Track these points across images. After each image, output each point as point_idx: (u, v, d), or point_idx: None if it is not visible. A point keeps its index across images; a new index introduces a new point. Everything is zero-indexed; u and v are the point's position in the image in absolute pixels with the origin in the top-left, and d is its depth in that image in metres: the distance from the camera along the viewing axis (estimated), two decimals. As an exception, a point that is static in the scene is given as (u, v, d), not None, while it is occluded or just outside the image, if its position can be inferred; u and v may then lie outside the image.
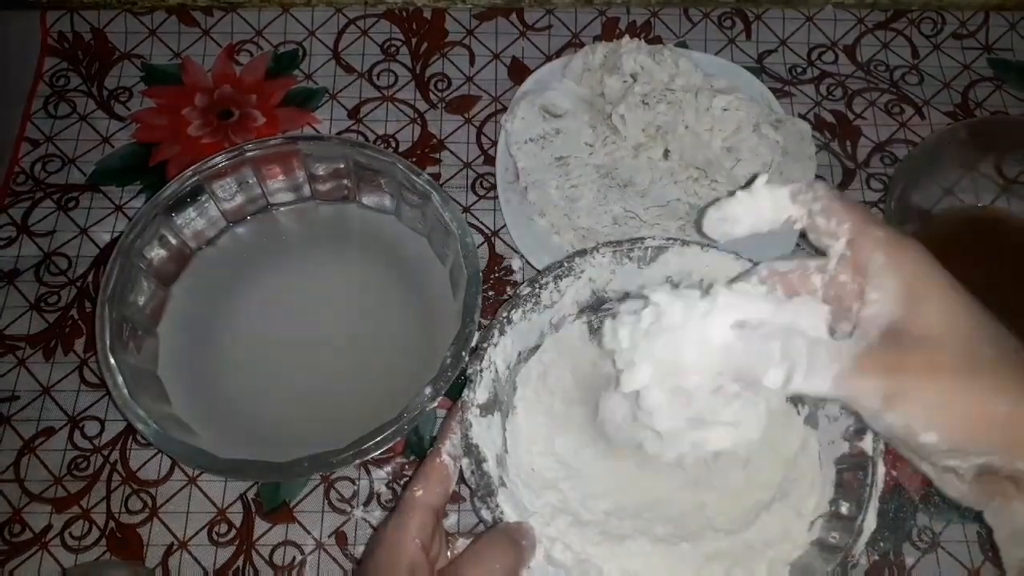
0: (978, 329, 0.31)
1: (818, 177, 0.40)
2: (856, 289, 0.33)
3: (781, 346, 0.31)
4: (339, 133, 0.61)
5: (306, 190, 0.54)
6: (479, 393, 0.43)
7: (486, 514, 0.40)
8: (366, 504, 0.49)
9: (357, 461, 0.45)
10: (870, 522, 0.40)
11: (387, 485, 0.50)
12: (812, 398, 0.32)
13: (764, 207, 0.34)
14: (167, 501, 0.49)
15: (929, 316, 0.31)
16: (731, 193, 0.35)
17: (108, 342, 0.45)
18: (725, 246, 0.45)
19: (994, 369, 0.30)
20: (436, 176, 0.59)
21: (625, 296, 0.47)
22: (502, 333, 0.44)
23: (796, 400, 0.47)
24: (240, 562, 0.48)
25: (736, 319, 0.32)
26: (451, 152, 0.60)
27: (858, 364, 0.30)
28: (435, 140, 0.61)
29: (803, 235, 0.35)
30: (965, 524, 0.49)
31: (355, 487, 0.50)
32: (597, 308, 0.48)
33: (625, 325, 0.35)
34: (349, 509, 0.49)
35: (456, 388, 0.44)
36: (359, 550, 0.48)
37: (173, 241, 0.51)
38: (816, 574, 0.40)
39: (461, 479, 0.42)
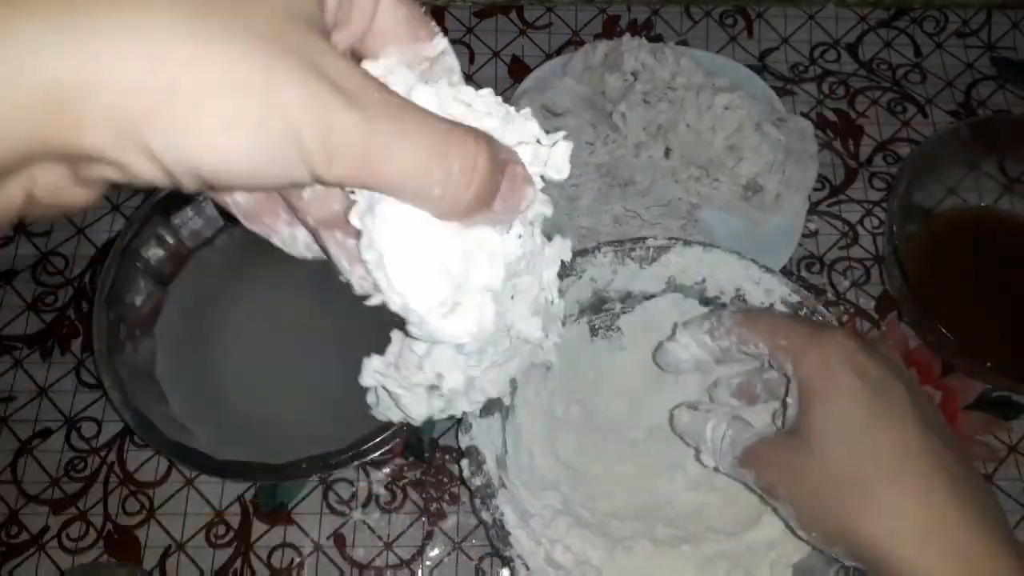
0: (857, 442, 0.32)
1: (721, 306, 0.44)
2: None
3: (708, 434, 0.38)
4: (338, 132, 0.60)
5: (305, 189, 0.54)
6: (479, 394, 0.42)
7: (486, 515, 0.40)
8: (365, 506, 0.49)
9: (356, 462, 0.45)
10: (873, 524, 0.40)
11: (386, 487, 0.49)
12: None
13: (695, 349, 0.39)
14: (165, 502, 0.49)
15: (811, 423, 0.33)
16: (669, 338, 0.41)
17: (105, 342, 0.45)
18: (727, 246, 0.44)
19: (858, 485, 0.31)
20: (436, 175, 0.59)
21: (627, 296, 0.47)
22: (502, 333, 0.43)
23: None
24: (238, 564, 0.47)
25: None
26: (451, 151, 0.60)
27: (744, 457, 0.35)
28: (435, 139, 0.60)
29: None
30: (968, 526, 0.49)
31: (354, 489, 0.49)
32: (598, 308, 0.48)
33: None
34: (348, 511, 0.49)
35: (456, 389, 0.44)
36: (358, 552, 0.48)
37: (170, 241, 0.51)
38: (819, 576, 0.40)
39: (461, 481, 0.41)
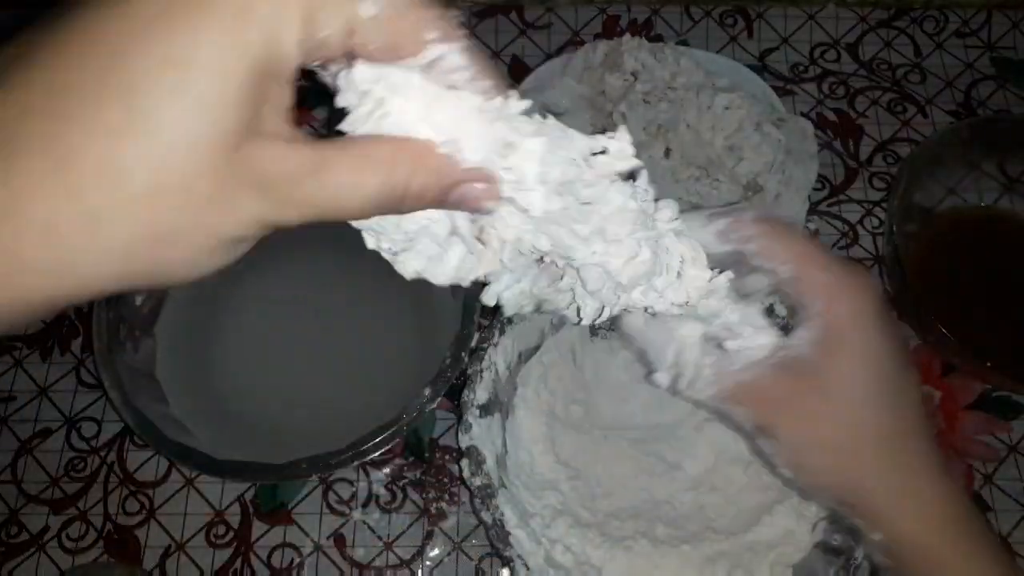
0: (880, 397, 0.31)
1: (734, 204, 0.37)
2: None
3: (675, 352, 0.32)
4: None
5: (305, 189, 0.54)
6: (479, 393, 0.42)
7: (486, 515, 0.40)
8: (364, 506, 0.49)
9: (356, 462, 0.45)
10: (873, 524, 0.40)
11: (386, 487, 0.49)
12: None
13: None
14: (164, 503, 0.49)
15: (833, 371, 0.31)
16: None
17: (105, 342, 0.45)
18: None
19: (872, 445, 0.31)
20: (436, 175, 0.59)
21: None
22: (502, 333, 0.43)
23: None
24: (238, 564, 0.47)
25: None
26: (451, 151, 0.60)
27: (737, 392, 0.32)
28: (435, 139, 0.60)
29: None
30: (968, 526, 0.49)
31: (353, 489, 0.49)
32: (598, 308, 0.48)
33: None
34: (347, 511, 0.49)
35: (456, 388, 0.44)
36: (358, 552, 0.48)
37: (171, 240, 0.51)
38: (819, 577, 0.40)
39: (461, 481, 0.41)
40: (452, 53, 0.22)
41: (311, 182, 0.20)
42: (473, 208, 0.24)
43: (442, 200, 0.23)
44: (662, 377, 0.33)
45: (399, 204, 0.22)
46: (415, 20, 0.21)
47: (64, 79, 0.17)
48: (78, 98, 0.17)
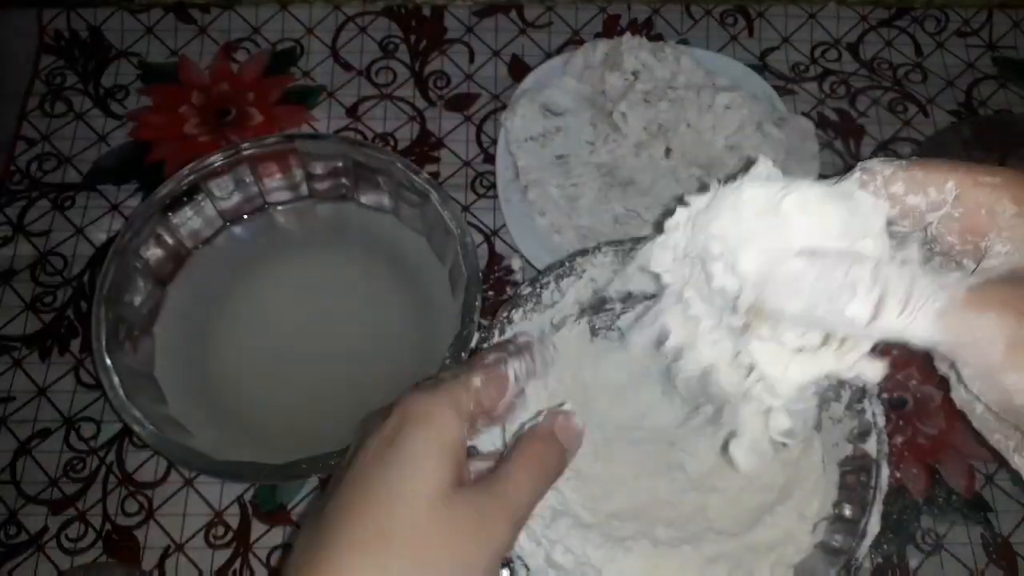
0: None
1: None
2: (968, 250, 0.26)
3: (870, 271, 0.24)
4: (337, 131, 0.60)
5: (304, 189, 0.54)
6: (479, 394, 0.42)
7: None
8: (365, 506, 0.49)
9: (355, 463, 0.45)
10: (874, 525, 0.39)
11: (386, 487, 0.49)
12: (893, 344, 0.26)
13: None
14: (164, 503, 0.49)
15: None
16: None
17: (104, 342, 0.45)
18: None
19: None
20: (435, 175, 0.59)
21: (628, 296, 0.47)
22: (502, 333, 0.43)
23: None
24: (237, 565, 0.47)
25: (804, 244, 0.25)
26: (450, 150, 0.60)
27: (975, 298, 0.23)
28: (434, 138, 0.60)
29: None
30: (969, 526, 0.49)
31: (354, 489, 0.49)
32: (598, 309, 0.48)
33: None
34: (347, 511, 0.49)
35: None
36: (358, 552, 0.48)
37: (169, 240, 0.51)
38: (819, 577, 0.40)
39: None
40: (520, 399, 0.37)
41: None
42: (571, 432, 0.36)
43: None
44: (860, 307, 0.24)
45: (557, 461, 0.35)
46: (501, 383, 0.35)
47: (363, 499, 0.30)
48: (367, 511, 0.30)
